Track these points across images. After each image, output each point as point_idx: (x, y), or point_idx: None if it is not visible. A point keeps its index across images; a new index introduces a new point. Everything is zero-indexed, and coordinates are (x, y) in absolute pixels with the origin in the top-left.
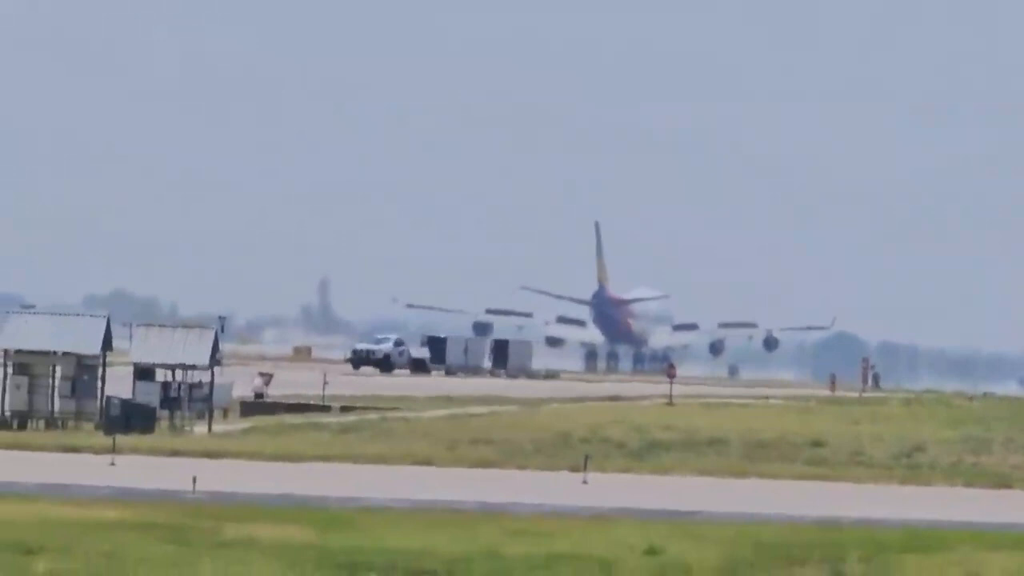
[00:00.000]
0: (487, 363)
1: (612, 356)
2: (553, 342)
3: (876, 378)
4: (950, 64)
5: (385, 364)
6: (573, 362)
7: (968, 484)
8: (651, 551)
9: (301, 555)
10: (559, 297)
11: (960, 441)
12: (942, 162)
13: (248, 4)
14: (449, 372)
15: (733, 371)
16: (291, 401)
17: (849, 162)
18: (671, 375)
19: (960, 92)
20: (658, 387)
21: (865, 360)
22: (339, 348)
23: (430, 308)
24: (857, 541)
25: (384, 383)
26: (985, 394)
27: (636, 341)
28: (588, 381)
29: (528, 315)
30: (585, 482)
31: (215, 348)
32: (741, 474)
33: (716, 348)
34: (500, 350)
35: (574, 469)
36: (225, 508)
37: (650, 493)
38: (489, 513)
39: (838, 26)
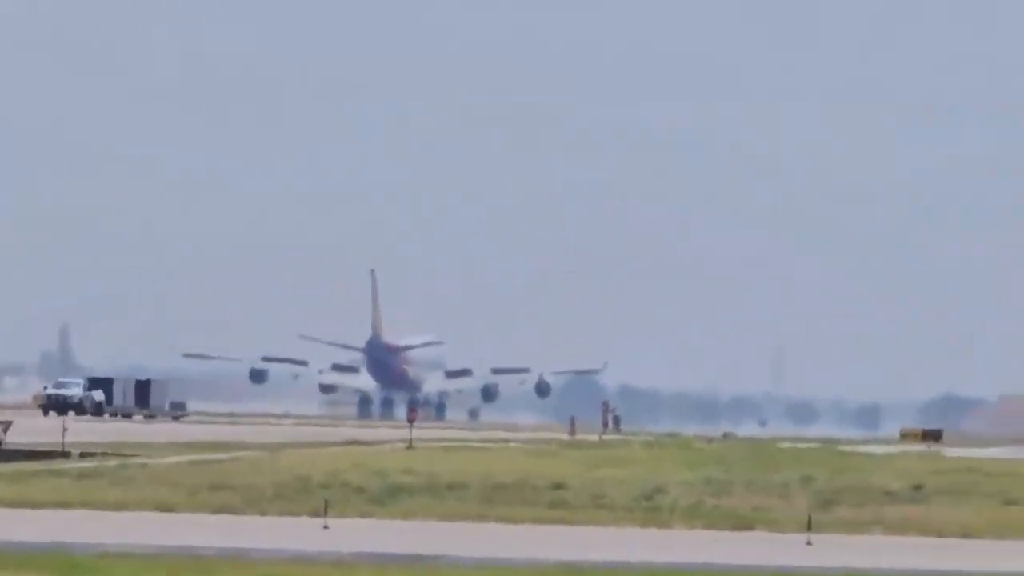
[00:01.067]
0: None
1: (387, 402)
2: (327, 389)
3: (617, 420)
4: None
5: (79, 407)
6: (348, 409)
7: (709, 526)
8: None
9: None
10: (333, 344)
11: (701, 483)
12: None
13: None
14: (114, 414)
15: (473, 414)
16: (30, 448)
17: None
18: (411, 419)
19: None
20: (398, 432)
21: (605, 403)
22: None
23: (205, 357)
24: None
25: (126, 429)
26: (725, 435)
27: (411, 387)
28: (328, 425)
29: (303, 363)
30: (326, 527)
31: None
32: (482, 518)
33: (489, 393)
34: (142, 390)
35: (315, 514)
36: None
37: (392, 538)
38: (230, 559)
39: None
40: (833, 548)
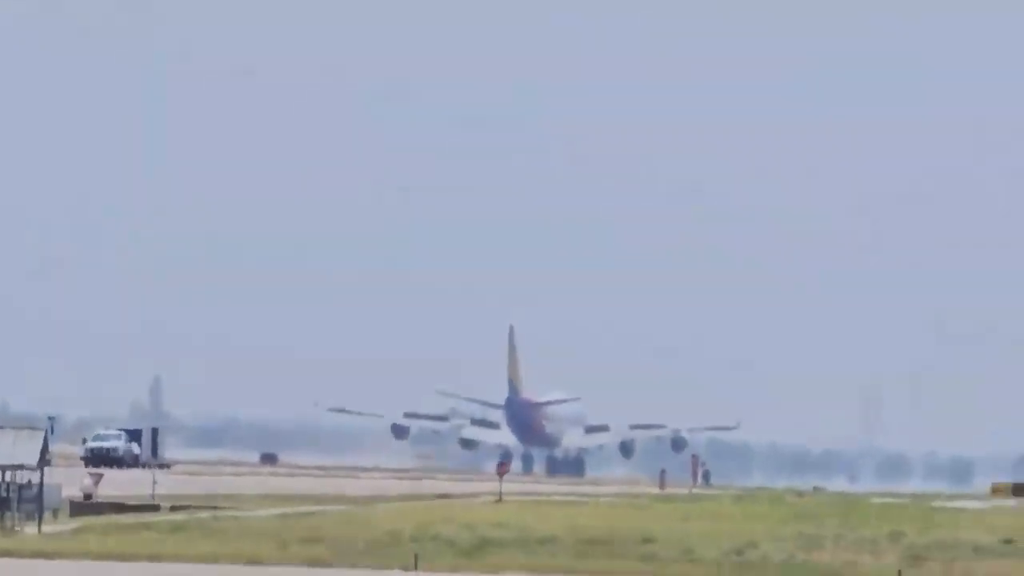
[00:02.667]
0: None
1: (527, 458)
2: (468, 444)
3: (707, 475)
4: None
5: (120, 460)
6: (488, 463)
7: None
8: None
9: None
10: (472, 400)
11: (792, 537)
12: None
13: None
14: (144, 465)
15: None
16: (121, 501)
17: None
18: (501, 472)
19: None
20: (487, 485)
21: (695, 457)
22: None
23: (347, 411)
24: None
25: (219, 482)
26: (816, 489)
27: (549, 443)
28: (418, 478)
29: (444, 418)
30: None
31: (45, 448)
32: (572, 571)
33: (627, 448)
34: (153, 440)
35: (405, 568)
36: None
37: None
38: None
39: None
40: None
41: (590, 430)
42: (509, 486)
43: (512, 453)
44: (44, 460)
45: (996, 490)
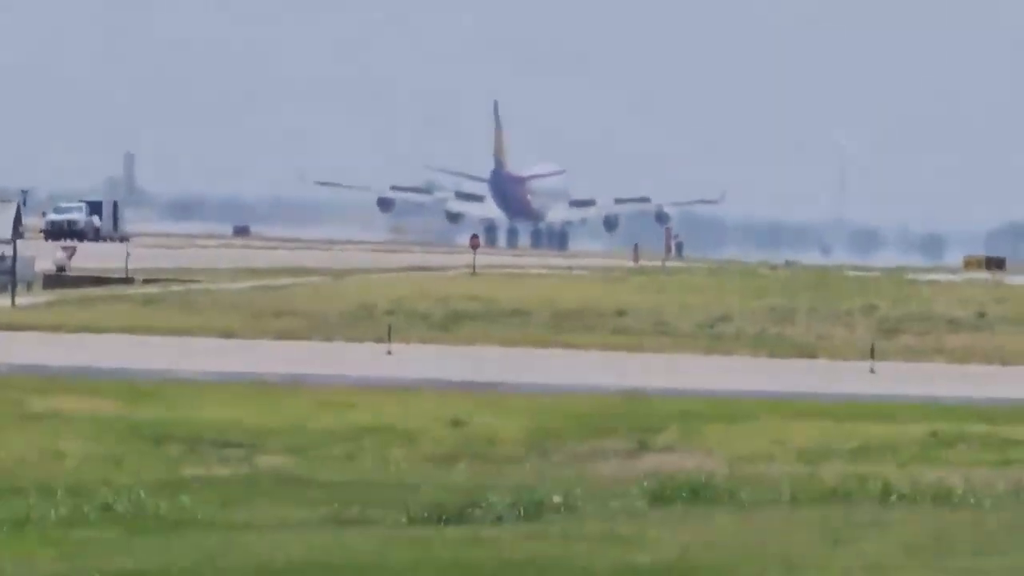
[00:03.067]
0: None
1: (512, 232)
2: (453, 218)
3: (679, 247)
4: None
5: (81, 233)
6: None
7: (773, 354)
8: (456, 422)
9: (108, 427)
10: (459, 175)
11: (764, 311)
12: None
13: None
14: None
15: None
16: (94, 274)
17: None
18: (474, 245)
19: None
20: (462, 257)
21: (668, 230)
22: (143, 221)
23: (333, 184)
24: (663, 411)
25: (192, 255)
26: (788, 263)
27: (534, 217)
28: (392, 251)
29: (428, 192)
30: (389, 353)
31: (17, 221)
32: (545, 344)
33: (611, 223)
34: (114, 212)
35: (378, 340)
36: (29, 381)
37: (454, 364)
38: (294, 385)
39: None
40: (896, 376)
41: (575, 204)
42: (483, 259)
43: (497, 226)
44: (17, 233)
45: (969, 263)
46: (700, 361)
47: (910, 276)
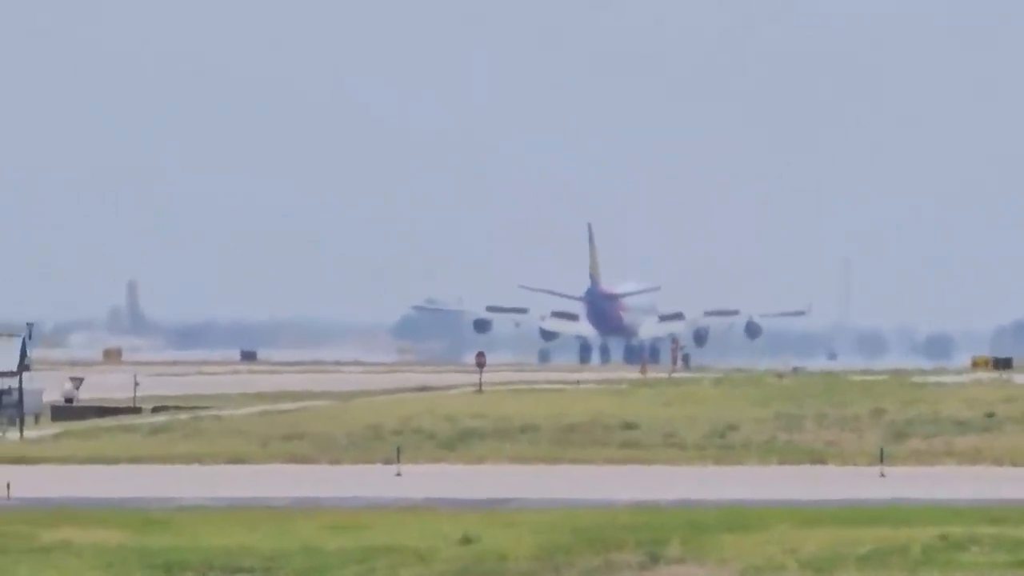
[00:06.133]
0: None
1: (604, 349)
2: (548, 336)
3: (686, 358)
4: None
5: None
6: (569, 355)
7: (782, 462)
8: (466, 540)
9: (118, 556)
10: (554, 293)
11: (772, 419)
12: None
13: None
14: None
15: (544, 356)
16: (102, 404)
17: None
18: (480, 363)
19: None
20: (467, 376)
21: (675, 340)
22: (150, 349)
23: (434, 309)
24: (674, 523)
25: (199, 382)
26: (795, 370)
27: (627, 333)
28: (397, 371)
29: (524, 311)
30: (399, 474)
31: (23, 354)
32: (554, 460)
33: (700, 336)
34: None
35: (387, 462)
36: (40, 513)
37: (463, 482)
38: (304, 508)
39: None
40: (906, 479)
41: (664, 318)
42: (489, 376)
43: (591, 344)
44: (23, 365)
45: (976, 364)
46: (710, 471)
47: (917, 379)
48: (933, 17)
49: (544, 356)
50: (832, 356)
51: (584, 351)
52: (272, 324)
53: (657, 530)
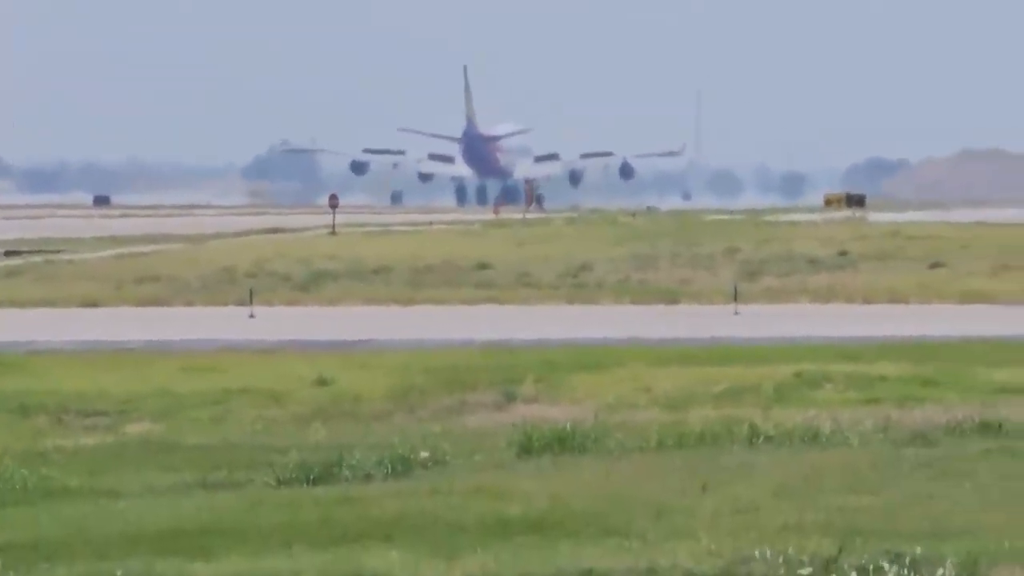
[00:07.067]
0: None
1: (481, 190)
2: (425, 177)
3: (540, 199)
4: None
5: None
6: (446, 197)
7: (636, 301)
8: (321, 381)
9: None
10: (433, 136)
11: (626, 259)
12: None
13: None
14: None
15: (396, 198)
16: None
17: None
18: (333, 205)
19: None
20: (321, 218)
21: (529, 181)
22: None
23: (312, 150)
24: (528, 362)
25: (52, 225)
26: (649, 209)
27: (503, 174)
28: (249, 214)
29: (401, 153)
30: (252, 316)
31: None
32: (408, 301)
33: (575, 177)
34: None
35: (240, 303)
36: None
37: (317, 324)
38: (158, 351)
39: None
40: (760, 317)
41: (539, 159)
42: (343, 217)
43: (467, 185)
44: None
45: (829, 201)
46: (563, 311)
47: (770, 218)
48: None
49: (396, 198)
50: (687, 196)
51: (460, 193)
52: (125, 167)
53: (511, 370)
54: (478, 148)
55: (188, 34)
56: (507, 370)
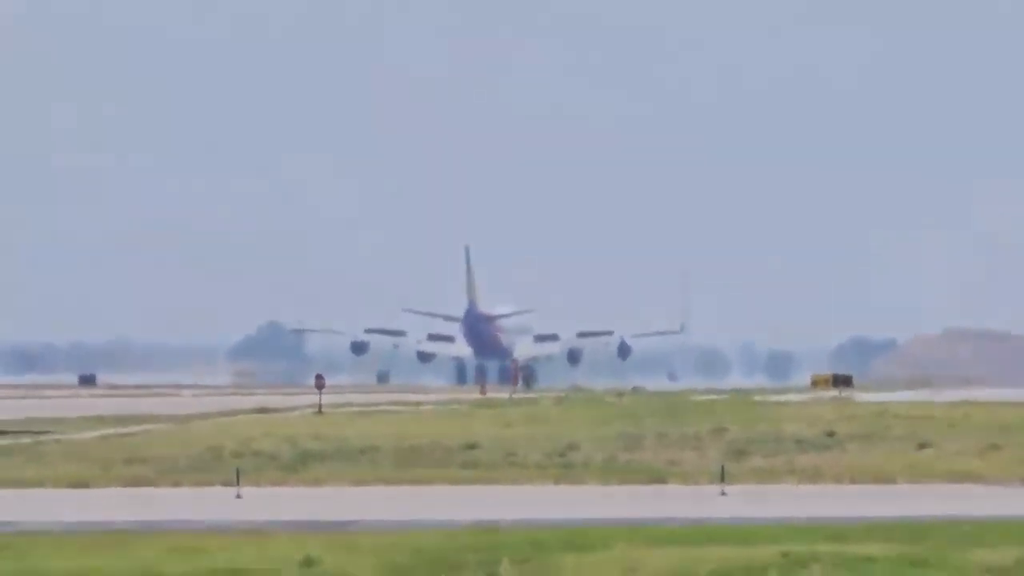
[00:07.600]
0: None
1: (481, 370)
2: (424, 357)
3: (529, 378)
4: None
5: None
6: (445, 376)
7: (623, 481)
8: (308, 562)
9: None
10: (434, 316)
11: (613, 438)
12: None
13: None
14: None
15: (382, 377)
16: None
17: None
18: (320, 385)
19: None
20: (309, 398)
21: (515, 361)
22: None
23: (314, 331)
24: (514, 543)
25: (38, 405)
26: (635, 389)
27: (504, 354)
28: (235, 394)
29: (402, 333)
30: (239, 496)
31: None
32: (395, 481)
33: (574, 356)
34: None
35: (227, 484)
36: None
37: (304, 505)
38: (146, 532)
39: None
40: (747, 497)
41: (539, 339)
42: (329, 398)
43: (467, 364)
44: None
45: (816, 382)
46: (550, 491)
47: (758, 398)
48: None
49: (382, 377)
50: (672, 376)
51: (460, 372)
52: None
53: (497, 550)
54: (479, 328)
55: (175, 212)
56: (493, 550)
